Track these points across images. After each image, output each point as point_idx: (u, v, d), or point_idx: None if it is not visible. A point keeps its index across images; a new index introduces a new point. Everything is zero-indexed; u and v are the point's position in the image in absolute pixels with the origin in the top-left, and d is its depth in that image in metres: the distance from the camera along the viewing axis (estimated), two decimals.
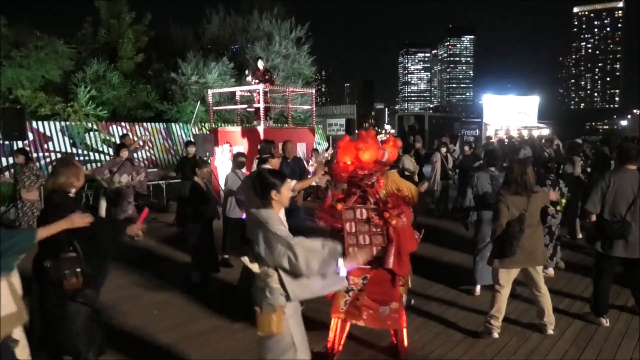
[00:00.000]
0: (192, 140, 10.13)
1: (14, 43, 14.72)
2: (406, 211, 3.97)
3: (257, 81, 12.05)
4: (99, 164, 14.65)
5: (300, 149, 12.14)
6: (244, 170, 6.69)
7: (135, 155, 11.20)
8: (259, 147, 5.67)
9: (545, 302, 4.55)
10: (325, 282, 2.87)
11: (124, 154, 8.74)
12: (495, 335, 4.49)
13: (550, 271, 6.29)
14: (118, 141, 14.24)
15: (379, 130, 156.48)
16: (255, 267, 2.86)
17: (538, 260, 4.47)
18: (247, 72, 12.89)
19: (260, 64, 12.56)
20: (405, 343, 4.14)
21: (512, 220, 4.25)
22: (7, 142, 10.90)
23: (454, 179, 11.17)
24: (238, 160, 6.78)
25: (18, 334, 2.81)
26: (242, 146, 11.67)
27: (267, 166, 5.14)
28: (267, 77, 12.37)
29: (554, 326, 4.61)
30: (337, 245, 2.86)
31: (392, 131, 53.41)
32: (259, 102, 11.77)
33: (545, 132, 24.28)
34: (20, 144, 12.14)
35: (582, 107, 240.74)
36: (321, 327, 4.39)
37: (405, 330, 4.13)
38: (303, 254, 2.69)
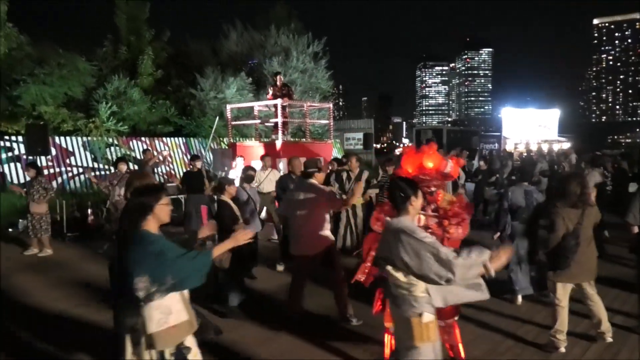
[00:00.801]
0: (198, 154, 10.13)
1: (38, 61, 15.09)
2: (464, 223, 3.97)
3: (272, 95, 12.15)
4: None
5: None
6: (253, 184, 6.63)
7: (155, 169, 11.30)
8: (304, 162, 5.59)
9: (601, 312, 4.54)
10: (470, 288, 2.95)
11: (122, 167, 8.83)
12: (562, 349, 4.47)
13: None
14: (139, 156, 14.45)
15: (397, 144, 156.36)
16: (400, 276, 2.91)
17: (592, 274, 4.48)
18: (268, 88, 13.00)
19: (278, 80, 12.64)
20: (463, 356, 4.08)
21: (567, 234, 4.26)
22: (30, 157, 11.13)
23: (466, 191, 11.02)
24: (247, 174, 6.76)
25: (190, 341, 2.88)
26: (259, 161, 11.72)
27: (312, 181, 5.16)
28: (284, 91, 12.44)
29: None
30: (484, 250, 2.87)
31: (411, 145, 53.11)
32: (277, 117, 11.83)
33: (566, 145, 23.93)
34: (44, 159, 12.41)
35: (603, 120, 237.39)
36: (368, 341, 4.59)
37: (461, 345, 4.07)
38: (460, 269, 2.73)
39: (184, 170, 10.66)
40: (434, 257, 2.76)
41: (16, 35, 14.69)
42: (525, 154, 18.45)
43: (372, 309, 4.09)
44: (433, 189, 4.07)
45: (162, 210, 2.80)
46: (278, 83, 12.54)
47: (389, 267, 2.95)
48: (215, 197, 5.66)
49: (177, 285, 2.68)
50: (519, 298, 5.76)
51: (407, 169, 4.20)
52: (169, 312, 2.72)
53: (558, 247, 4.28)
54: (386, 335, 4.10)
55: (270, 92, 12.56)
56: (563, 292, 4.46)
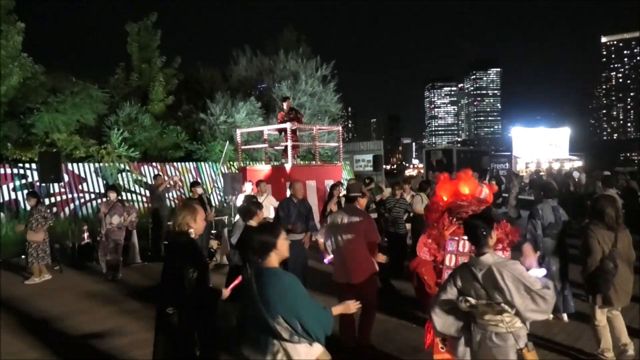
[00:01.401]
0: (198, 181, 10.14)
1: (52, 89, 15.38)
2: (508, 248, 3.97)
3: (280, 120, 12.25)
4: (131, 204, 14.95)
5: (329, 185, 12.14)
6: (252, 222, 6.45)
7: (167, 194, 11.35)
8: (347, 185, 5.43)
9: (622, 328, 4.54)
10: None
11: (112, 195, 8.88)
12: None
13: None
14: (150, 181, 14.57)
15: (407, 165, 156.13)
16: (506, 315, 2.95)
17: (629, 298, 4.46)
18: (278, 113, 13.11)
19: (286, 105, 12.74)
20: None
21: (604, 257, 4.26)
22: (44, 185, 11.25)
23: None
24: (248, 209, 6.52)
25: None
26: (270, 184, 11.74)
27: (356, 205, 5.02)
28: (291, 115, 12.52)
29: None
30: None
31: (420, 165, 53.06)
32: (286, 141, 11.89)
33: (578, 164, 23.76)
34: (56, 186, 12.55)
35: (614, 137, 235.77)
36: None
37: None
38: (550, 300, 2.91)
39: (184, 198, 10.68)
40: (541, 298, 2.87)
41: (31, 65, 15.01)
42: (534, 174, 18.37)
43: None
44: (472, 211, 4.06)
45: (284, 245, 2.84)
46: (285, 108, 12.64)
47: (482, 302, 2.95)
48: (245, 223, 5.03)
49: (308, 332, 2.66)
50: (565, 316, 5.78)
51: (443, 196, 4.17)
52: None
53: (597, 271, 4.27)
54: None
55: (279, 116, 12.67)
56: (602, 315, 4.48)
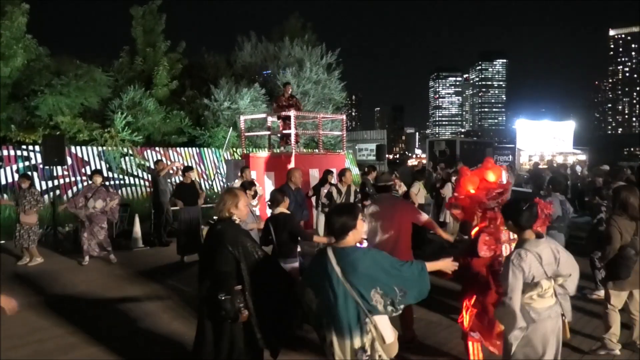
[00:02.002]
0: (191, 166, 10.10)
1: (56, 72, 15.35)
2: (546, 223, 4.11)
3: (277, 105, 12.21)
4: (134, 188, 15.01)
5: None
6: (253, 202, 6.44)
7: (169, 179, 11.35)
8: (377, 175, 5.45)
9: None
10: None
11: (97, 179, 8.81)
12: (618, 352, 4.58)
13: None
14: (152, 166, 14.59)
15: (410, 154, 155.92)
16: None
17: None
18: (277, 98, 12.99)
19: (287, 90, 12.69)
20: None
21: (625, 245, 4.38)
22: (47, 167, 11.28)
23: None
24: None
25: None
26: (272, 172, 11.76)
27: (393, 194, 5.09)
28: (291, 102, 12.46)
29: None
30: None
31: (424, 155, 53.04)
32: (289, 128, 11.87)
33: (582, 158, 23.68)
34: (59, 168, 12.57)
35: (619, 132, 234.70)
36: None
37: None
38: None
39: (177, 182, 10.64)
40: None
41: (35, 47, 14.97)
42: (533, 167, 18.34)
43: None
44: (505, 197, 4.09)
45: (361, 226, 2.92)
46: (286, 94, 12.57)
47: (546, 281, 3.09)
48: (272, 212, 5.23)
49: (407, 296, 2.76)
50: None
51: (469, 189, 4.17)
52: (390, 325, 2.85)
53: (617, 258, 4.41)
54: (471, 343, 4.13)
55: (277, 102, 12.55)
56: (618, 300, 4.60)
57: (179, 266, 8.49)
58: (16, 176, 13.01)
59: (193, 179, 9.60)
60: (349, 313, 2.68)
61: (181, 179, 9.71)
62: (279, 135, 13.56)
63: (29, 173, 12.19)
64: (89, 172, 14.38)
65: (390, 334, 2.80)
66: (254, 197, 6.83)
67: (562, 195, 6.10)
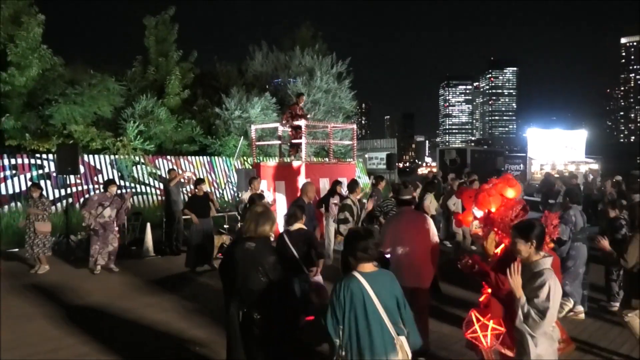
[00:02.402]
0: (202, 178, 10.16)
1: (70, 81, 15.55)
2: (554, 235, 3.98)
3: (289, 114, 12.29)
4: (145, 196, 15.11)
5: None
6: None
7: (180, 189, 11.42)
8: (398, 188, 5.48)
9: None
10: None
11: (112, 189, 9.00)
12: None
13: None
14: (164, 174, 14.70)
15: (420, 163, 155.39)
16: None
17: None
18: (290, 108, 13.04)
19: (301, 100, 12.77)
20: None
21: None
22: (61, 176, 11.40)
23: None
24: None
25: None
26: (283, 181, 11.79)
27: (412, 208, 5.15)
28: (304, 112, 12.56)
29: None
30: None
31: (433, 164, 52.83)
32: (300, 138, 11.91)
33: (594, 167, 23.48)
34: (72, 177, 12.70)
35: (632, 140, 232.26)
36: None
37: None
38: None
39: (190, 195, 10.72)
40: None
41: (50, 57, 15.17)
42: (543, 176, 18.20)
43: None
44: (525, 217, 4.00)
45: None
46: (300, 103, 12.66)
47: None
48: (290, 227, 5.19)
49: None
50: (580, 308, 6.06)
51: (490, 209, 4.02)
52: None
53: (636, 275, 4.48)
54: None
55: (291, 110, 12.58)
56: (634, 319, 4.65)
57: (189, 276, 8.53)
58: (30, 184, 13.18)
59: (205, 190, 9.70)
60: (384, 335, 2.80)
61: (192, 188, 9.79)
62: (288, 144, 13.61)
63: (40, 182, 12.37)
64: (101, 181, 14.55)
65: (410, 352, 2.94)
66: None
67: (579, 207, 6.15)
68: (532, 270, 3.06)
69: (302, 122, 11.85)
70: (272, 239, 3.64)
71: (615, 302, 6.19)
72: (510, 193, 4.04)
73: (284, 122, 12.64)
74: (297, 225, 5.12)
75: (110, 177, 14.82)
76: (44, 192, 9.42)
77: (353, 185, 8.63)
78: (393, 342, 2.79)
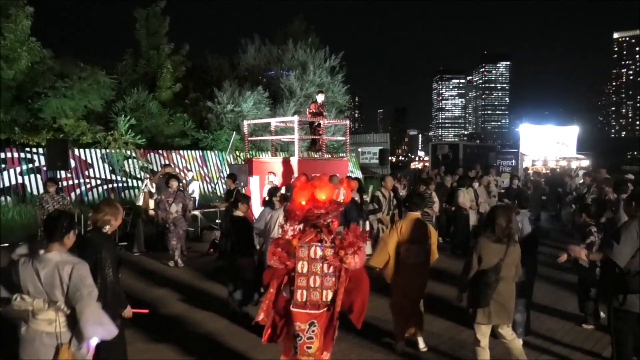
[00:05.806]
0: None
1: (59, 74, 15.36)
2: (360, 252, 3.79)
3: (310, 113, 12.30)
4: (137, 190, 15.01)
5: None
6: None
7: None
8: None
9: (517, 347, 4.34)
10: None
11: (174, 184, 8.99)
12: None
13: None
14: (156, 168, 14.61)
15: (413, 157, 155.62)
16: None
17: (509, 317, 4.25)
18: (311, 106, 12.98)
19: (321, 97, 12.77)
20: None
21: (488, 269, 4.04)
22: (50, 172, 11.29)
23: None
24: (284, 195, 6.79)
25: None
26: (275, 176, 11.73)
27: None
28: (321, 110, 12.54)
29: None
30: None
31: (426, 158, 52.90)
32: (317, 134, 12.28)
33: (585, 163, 23.59)
34: (62, 172, 12.59)
35: (622, 135, 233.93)
36: None
37: None
38: None
39: (200, 183, 10.71)
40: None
41: (39, 50, 14.97)
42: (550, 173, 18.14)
43: None
44: (329, 219, 3.90)
45: None
46: (319, 101, 12.60)
47: None
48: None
49: None
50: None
51: (300, 201, 3.88)
52: None
53: (476, 282, 4.13)
54: None
55: (309, 110, 12.57)
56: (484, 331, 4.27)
57: (179, 270, 8.54)
58: (19, 178, 13.05)
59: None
60: None
61: (185, 181, 9.77)
62: (283, 139, 13.57)
63: (30, 176, 12.26)
64: (92, 175, 14.45)
65: None
66: (280, 202, 6.74)
67: (528, 212, 5.70)
68: None
69: (294, 118, 11.84)
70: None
71: (588, 325, 5.74)
72: (320, 195, 3.93)
73: (311, 118, 12.55)
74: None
75: (102, 171, 14.74)
76: (35, 187, 9.33)
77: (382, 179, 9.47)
78: None
